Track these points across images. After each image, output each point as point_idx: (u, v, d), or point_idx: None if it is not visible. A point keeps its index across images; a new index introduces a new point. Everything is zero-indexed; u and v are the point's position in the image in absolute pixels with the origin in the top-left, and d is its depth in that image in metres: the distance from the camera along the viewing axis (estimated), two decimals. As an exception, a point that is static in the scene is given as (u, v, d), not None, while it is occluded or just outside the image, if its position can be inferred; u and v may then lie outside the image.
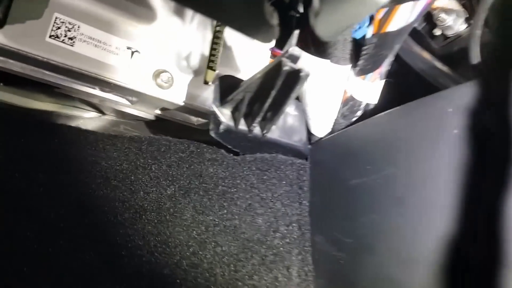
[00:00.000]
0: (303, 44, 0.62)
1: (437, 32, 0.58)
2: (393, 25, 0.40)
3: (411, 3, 0.38)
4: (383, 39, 0.42)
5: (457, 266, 0.35)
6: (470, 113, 0.37)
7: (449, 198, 0.36)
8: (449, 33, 0.56)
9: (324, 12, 0.29)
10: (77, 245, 0.46)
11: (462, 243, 0.34)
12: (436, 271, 0.35)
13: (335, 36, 0.33)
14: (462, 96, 0.38)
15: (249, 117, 0.47)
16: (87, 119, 0.61)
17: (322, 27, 0.32)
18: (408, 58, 0.55)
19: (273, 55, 0.58)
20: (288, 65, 0.37)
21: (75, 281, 0.44)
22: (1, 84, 0.56)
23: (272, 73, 0.39)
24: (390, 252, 0.39)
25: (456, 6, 0.55)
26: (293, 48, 0.38)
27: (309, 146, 0.54)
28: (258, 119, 0.45)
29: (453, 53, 0.56)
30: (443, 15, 0.54)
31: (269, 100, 0.42)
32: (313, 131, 0.53)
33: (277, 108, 0.44)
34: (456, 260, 0.35)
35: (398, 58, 0.56)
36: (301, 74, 0.38)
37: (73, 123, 0.60)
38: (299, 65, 0.38)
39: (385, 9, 0.40)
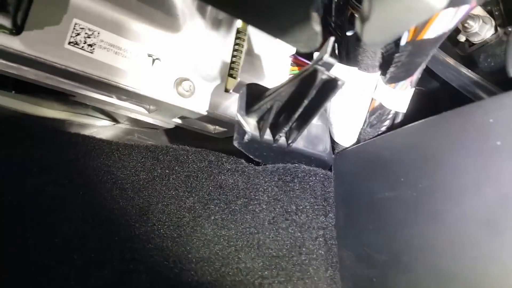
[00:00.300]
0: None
1: (462, 38, 0.56)
2: (431, 32, 0.38)
3: (452, 9, 0.36)
4: (419, 47, 0.40)
5: (498, 285, 0.33)
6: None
7: (491, 213, 0.34)
8: (475, 39, 0.54)
9: (374, 17, 0.28)
10: (92, 261, 0.44)
11: (504, 260, 0.33)
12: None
13: (382, 44, 0.32)
14: (505, 107, 0.36)
15: (275, 127, 0.45)
16: (101, 128, 0.59)
17: (370, 34, 0.30)
18: (433, 66, 0.54)
19: (294, 63, 0.56)
20: (325, 74, 0.36)
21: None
22: (13, 92, 0.54)
23: (306, 81, 0.37)
24: (427, 270, 0.37)
25: (482, 12, 0.54)
26: (327, 55, 0.36)
27: (333, 156, 0.52)
28: (286, 129, 0.43)
29: (480, 60, 0.55)
30: (469, 21, 0.52)
31: (300, 110, 0.40)
32: (337, 140, 0.52)
33: (306, 117, 0.42)
34: (496, 278, 0.33)
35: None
36: (339, 82, 0.36)
37: (87, 132, 0.58)
38: (333, 73, 0.37)
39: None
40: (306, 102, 0.39)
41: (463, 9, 0.36)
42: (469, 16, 0.53)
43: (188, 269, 0.45)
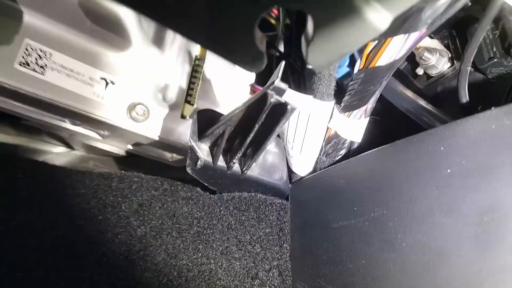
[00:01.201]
0: (284, 78, 0.61)
1: (420, 71, 0.58)
2: (383, 59, 0.39)
3: (401, 36, 0.37)
4: (372, 74, 0.40)
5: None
6: (463, 152, 0.35)
7: (445, 242, 0.34)
8: (433, 72, 0.55)
9: (318, 39, 0.28)
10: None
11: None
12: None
13: (327, 66, 0.32)
14: (454, 135, 0.37)
15: (229, 153, 0.44)
16: (55, 154, 0.57)
17: (315, 56, 0.30)
18: (391, 97, 0.54)
19: (253, 92, 0.56)
20: (274, 98, 0.35)
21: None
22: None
23: (256, 106, 0.37)
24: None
25: (438, 45, 0.55)
26: (278, 80, 0.36)
27: (290, 185, 0.51)
28: (239, 155, 0.42)
29: (437, 92, 0.56)
30: (426, 54, 0.54)
31: (251, 135, 0.39)
32: (294, 169, 0.51)
33: (259, 143, 0.42)
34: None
35: (380, 97, 0.55)
36: (288, 107, 0.36)
37: (40, 158, 0.56)
38: (284, 98, 0.37)
39: (374, 43, 0.39)
40: (257, 126, 0.38)
41: (413, 36, 0.37)
42: (426, 49, 0.54)
43: (134, 302, 0.43)
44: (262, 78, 0.57)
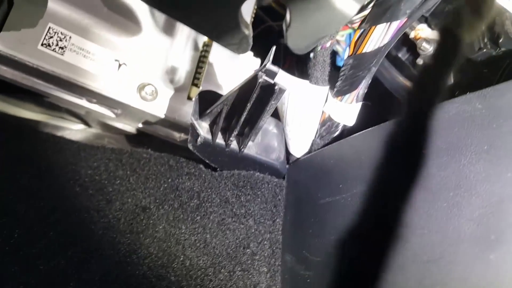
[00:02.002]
0: (288, 65, 0.64)
1: (420, 61, 0.60)
2: (368, 46, 0.41)
3: (384, 25, 0.40)
4: (360, 60, 0.43)
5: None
6: (438, 133, 0.38)
7: (417, 214, 0.37)
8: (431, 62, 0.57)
9: (294, 25, 0.31)
10: (49, 248, 0.46)
11: (423, 261, 0.34)
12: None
13: (306, 49, 0.35)
14: (432, 118, 0.39)
15: (227, 132, 0.48)
16: (74, 131, 0.62)
17: (294, 40, 0.33)
18: (389, 85, 0.57)
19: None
20: (263, 78, 0.39)
21: (42, 283, 0.44)
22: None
23: (248, 87, 0.40)
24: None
25: (437, 36, 0.57)
26: (270, 63, 0.39)
27: (287, 166, 0.54)
28: (235, 133, 0.46)
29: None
30: (425, 44, 0.56)
31: (245, 114, 0.43)
32: (291, 151, 0.54)
33: (253, 123, 0.45)
34: (420, 279, 0.35)
35: (380, 84, 0.58)
36: (276, 87, 0.39)
37: (59, 133, 0.61)
38: (276, 80, 0.40)
39: (361, 31, 0.42)
40: (249, 106, 0.42)
41: (394, 24, 0.39)
42: (424, 40, 0.56)
43: (136, 263, 0.47)
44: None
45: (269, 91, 0.40)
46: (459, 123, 0.37)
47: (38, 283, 0.44)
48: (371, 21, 0.40)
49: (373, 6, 0.39)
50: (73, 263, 0.45)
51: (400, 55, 0.61)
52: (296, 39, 0.33)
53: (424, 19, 0.57)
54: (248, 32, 0.33)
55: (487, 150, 0.34)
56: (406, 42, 0.59)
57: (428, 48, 0.56)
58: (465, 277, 0.31)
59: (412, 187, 0.38)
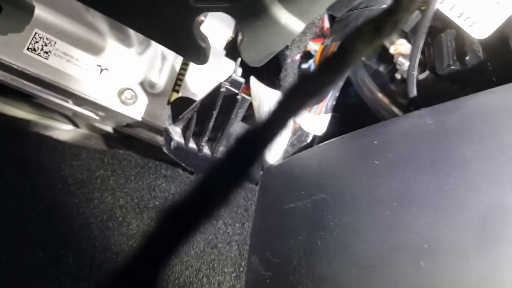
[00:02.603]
0: (265, 78, 0.66)
1: (398, 75, 0.61)
2: (330, 61, 0.43)
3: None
4: (323, 74, 0.45)
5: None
6: (390, 146, 0.40)
7: (363, 223, 0.38)
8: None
9: (246, 40, 0.33)
10: (28, 241, 0.49)
11: (363, 266, 0.36)
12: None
13: (260, 63, 0.37)
14: (387, 131, 0.41)
15: (200, 137, 0.50)
16: (62, 131, 0.65)
17: (246, 54, 0.36)
18: (366, 99, 0.59)
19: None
20: (225, 88, 0.41)
21: (19, 274, 0.46)
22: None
23: (213, 96, 0.43)
24: (308, 271, 0.41)
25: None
26: (235, 74, 0.41)
27: (261, 172, 0.56)
28: (205, 138, 0.48)
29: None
30: (401, 59, 0.57)
31: (212, 121, 0.45)
32: (265, 157, 0.56)
33: (223, 129, 0.47)
34: (360, 282, 0.36)
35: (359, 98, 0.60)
36: (238, 97, 0.41)
37: (48, 133, 0.63)
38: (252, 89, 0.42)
39: (324, 46, 0.44)
40: (214, 113, 0.44)
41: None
42: (401, 55, 0.58)
43: (109, 259, 0.49)
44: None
45: (232, 100, 0.42)
46: (410, 137, 0.39)
47: (17, 275, 0.47)
48: (332, 36, 0.42)
49: (333, 23, 0.41)
50: (49, 259, 0.48)
51: (381, 69, 0.63)
52: (248, 53, 0.35)
53: (404, 34, 0.58)
54: (205, 45, 0.35)
55: (431, 164, 0.36)
56: (385, 56, 0.61)
57: (404, 63, 0.58)
58: (398, 282, 0.33)
59: (362, 194, 0.39)
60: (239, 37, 0.34)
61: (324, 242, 0.40)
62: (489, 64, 0.45)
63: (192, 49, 0.35)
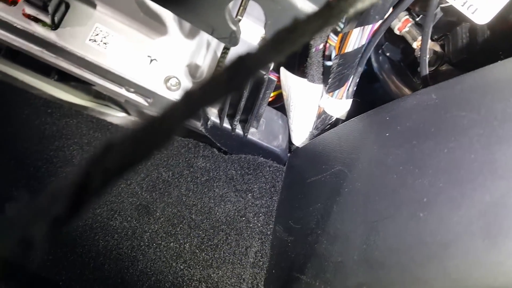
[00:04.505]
0: (297, 69, 0.72)
1: (419, 68, 0.65)
2: (349, 47, 0.49)
3: (359, 29, 0.47)
4: (344, 59, 0.50)
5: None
6: (400, 120, 0.44)
7: (373, 187, 0.43)
8: (430, 70, 0.63)
9: (269, 24, 0.39)
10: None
11: (372, 221, 0.41)
12: (351, 246, 0.42)
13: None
14: (397, 107, 0.46)
15: (233, 118, 0.56)
16: (115, 117, 0.73)
17: (269, 34, 0.42)
18: (389, 90, 0.63)
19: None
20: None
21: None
22: (56, 77, 0.70)
23: (244, 76, 0.49)
24: (323, 232, 0.46)
25: (435, 46, 0.63)
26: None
27: (289, 154, 0.62)
28: (237, 117, 0.54)
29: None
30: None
31: (243, 101, 0.51)
32: (293, 140, 0.62)
33: (253, 110, 0.54)
34: (368, 236, 0.41)
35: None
36: (265, 77, 0.48)
37: (103, 118, 0.72)
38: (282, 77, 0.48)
39: (342, 34, 0.49)
40: (245, 93, 0.50)
41: (367, 28, 0.46)
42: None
43: (150, 222, 0.56)
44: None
45: (260, 82, 0.48)
46: (417, 111, 0.43)
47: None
48: (347, 25, 0.47)
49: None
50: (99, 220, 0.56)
51: (404, 64, 0.67)
52: (271, 33, 0.41)
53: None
54: (236, 28, 0.42)
55: (433, 132, 0.40)
56: (409, 51, 0.65)
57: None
58: (401, 232, 0.38)
59: (374, 163, 0.44)
60: (264, 21, 0.41)
61: (339, 206, 0.45)
62: (497, 48, 0.49)
63: (225, 31, 0.42)
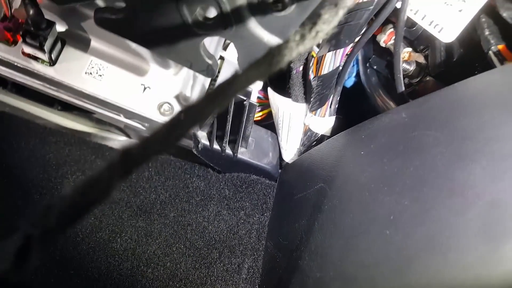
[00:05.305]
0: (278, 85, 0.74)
1: (406, 80, 0.67)
2: (324, 69, 0.51)
3: (332, 52, 0.49)
4: (322, 80, 0.53)
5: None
6: (372, 139, 0.47)
7: (352, 205, 0.45)
8: (414, 81, 0.65)
9: (240, 57, 0.42)
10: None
11: (348, 236, 0.43)
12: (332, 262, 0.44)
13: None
14: (372, 126, 0.48)
15: (222, 140, 0.59)
16: (117, 141, 0.77)
17: (241, 66, 0.44)
18: (374, 103, 0.65)
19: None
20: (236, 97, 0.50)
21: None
22: (59, 107, 0.74)
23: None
24: (306, 248, 0.48)
25: (418, 57, 0.65)
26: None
27: (280, 170, 0.64)
28: (226, 139, 0.57)
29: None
30: (405, 65, 0.63)
31: (228, 124, 0.54)
32: (283, 157, 0.64)
33: (239, 132, 0.56)
34: (345, 252, 0.43)
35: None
36: (245, 103, 0.50)
37: (106, 143, 0.76)
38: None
39: (318, 57, 0.52)
40: (229, 117, 0.53)
41: (339, 52, 0.49)
42: (405, 61, 0.64)
43: (148, 243, 0.59)
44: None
45: (242, 106, 0.51)
46: (388, 129, 0.45)
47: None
48: (320, 50, 0.50)
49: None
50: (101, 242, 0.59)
51: (390, 76, 0.69)
52: (243, 66, 0.44)
53: (408, 42, 0.65)
54: (212, 61, 0.45)
55: (402, 150, 0.42)
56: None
57: (409, 68, 0.64)
58: (371, 248, 0.40)
59: (350, 180, 0.46)
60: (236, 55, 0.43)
61: (319, 222, 0.48)
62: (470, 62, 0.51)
63: (202, 65, 0.45)
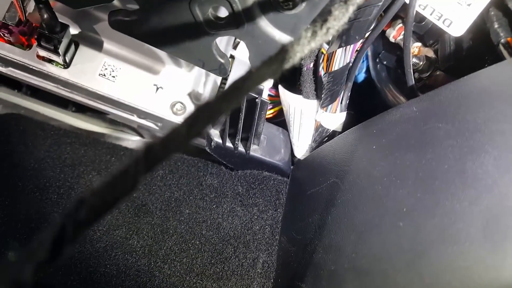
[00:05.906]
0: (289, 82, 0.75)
1: (416, 75, 0.67)
2: (335, 65, 0.52)
3: (342, 48, 0.50)
4: (332, 77, 0.53)
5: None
6: (384, 134, 0.47)
7: (364, 199, 0.46)
8: (424, 75, 0.65)
9: (252, 55, 0.43)
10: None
11: (360, 231, 0.44)
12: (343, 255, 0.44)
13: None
14: (383, 120, 0.48)
15: (234, 137, 0.60)
16: (131, 141, 0.78)
17: (253, 64, 0.45)
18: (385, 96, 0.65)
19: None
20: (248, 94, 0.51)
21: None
22: (74, 109, 0.75)
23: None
24: (319, 242, 0.49)
25: (428, 51, 0.65)
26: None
27: (292, 166, 0.65)
28: (238, 137, 0.58)
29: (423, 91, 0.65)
30: (415, 60, 0.64)
31: (241, 122, 0.55)
32: (295, 154, 0.65)
33: (251, 129, 0.57)
34: (355, 245, 0.44)
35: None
36: (257, 100, 0.51)
37: (120, 143, 0.77)
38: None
39: (328, 54, 0.52)
40: (241, 115, 0.54)
41: (349, 48, 0.49)
42: (415, 56, 0.64)
43: (163, 240, 0.60)
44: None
45: (254, 104, 0.52)
46: (399, 124, 0.46)
47: None
48: (331, 46, 0.50)
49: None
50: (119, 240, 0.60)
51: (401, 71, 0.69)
52: (255, 64, 0.45)
53: (417, 37, 0.65)
54: (224, 60, 0.46)
55: (413, 144, 0.43)
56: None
57: (418, 63, 0.64)
58: (384, 240, 0.40)
59: (362, 175, 0.47)
60: (247, 53, 0.44)
61: (333, 217, 0.48)
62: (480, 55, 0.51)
63: (215, 64, 0.46)
